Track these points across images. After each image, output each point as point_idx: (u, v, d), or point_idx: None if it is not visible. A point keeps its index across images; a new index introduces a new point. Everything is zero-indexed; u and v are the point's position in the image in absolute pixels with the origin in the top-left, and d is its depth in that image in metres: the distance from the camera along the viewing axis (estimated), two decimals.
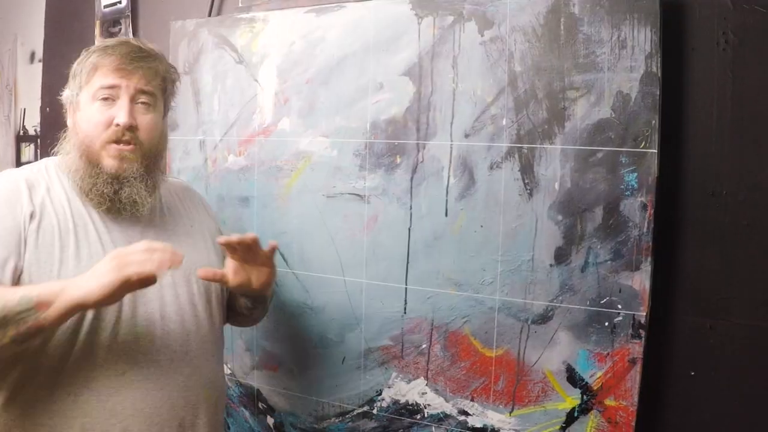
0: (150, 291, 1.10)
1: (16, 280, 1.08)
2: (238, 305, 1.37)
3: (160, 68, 1.21)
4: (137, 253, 1.02)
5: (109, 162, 1.16)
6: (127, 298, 1.10)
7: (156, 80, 1.20)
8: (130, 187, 1.17)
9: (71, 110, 1.21)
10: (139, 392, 1.14)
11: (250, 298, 1.34)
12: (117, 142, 1.16)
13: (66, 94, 1.22)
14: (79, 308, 1.03)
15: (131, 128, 1.16)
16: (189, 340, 1.21)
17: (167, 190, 1.32)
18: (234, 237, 1.21)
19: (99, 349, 1.12)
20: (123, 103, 1.15)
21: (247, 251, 1.22)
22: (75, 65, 1.20)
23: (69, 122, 1.22)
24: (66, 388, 1.10)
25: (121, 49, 1.17)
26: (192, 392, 1.21)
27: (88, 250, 1.13)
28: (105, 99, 1.16)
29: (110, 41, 1.23)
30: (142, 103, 1.18)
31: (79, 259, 1.12)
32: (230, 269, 1.23)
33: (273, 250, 1.27)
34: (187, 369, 1.20)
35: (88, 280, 1.01)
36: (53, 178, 1.19)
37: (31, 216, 1.11)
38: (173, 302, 1.20)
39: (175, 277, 1.20)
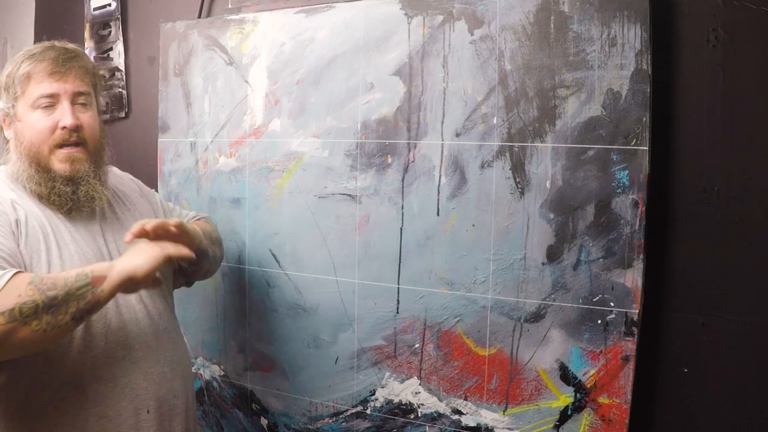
0: None
1: None
2: (182, 266, 1.40)
3: (89, 66, 1.25)
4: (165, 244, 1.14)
5: (60, 166, 1.20)
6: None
7: (87, 78, 1.24)
8: (86, 185, 1.21)
9: (7, 122, 1.23)
10: (140, 371, 1.23)
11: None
12: (64, 145, 1.20)
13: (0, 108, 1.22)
14: (129, 281, 1.09)
15: (76, 129, 1.20)
16: (162, 319, 1.30)
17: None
18: (148, 225, 1.16)
19: (97, 341, 1.18)
20: (65, 106, 1.19)
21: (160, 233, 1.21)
22: (4, 77, 1.20)
23: (8, 134, 1.24)
24: (72, 383, 1.15)
25: (49, 53, 1.19)
26: (176, 363, 1.31)
27: (67, 250, 1.18)
28: (46, 107, 1.18)
29: (36, 48, 1.22)
30: (81, 103, 1.22)
31: (62, 260, 1.16)
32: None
33: (178, 226, 1.22)
34: (169, 343, 1.30)
35: (134, 257, 1.11)
36: (9, 188, 1.20)
37: (17, 223, 1.14)
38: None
39: None
